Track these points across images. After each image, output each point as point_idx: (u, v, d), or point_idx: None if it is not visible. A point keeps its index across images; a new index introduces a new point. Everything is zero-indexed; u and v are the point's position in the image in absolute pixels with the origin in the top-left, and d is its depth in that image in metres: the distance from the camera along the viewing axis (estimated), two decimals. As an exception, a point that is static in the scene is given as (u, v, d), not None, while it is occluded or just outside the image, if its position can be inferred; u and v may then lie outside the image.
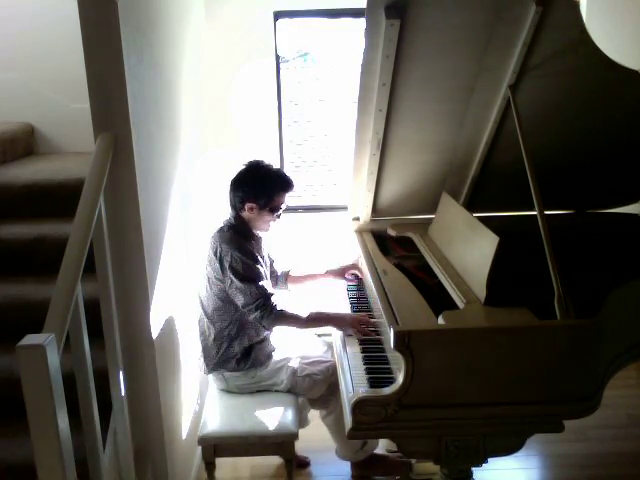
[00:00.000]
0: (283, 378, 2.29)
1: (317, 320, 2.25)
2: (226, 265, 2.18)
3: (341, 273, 2.59)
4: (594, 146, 2.49)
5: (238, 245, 2.21)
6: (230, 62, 3.25)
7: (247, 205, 2.26)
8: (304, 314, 2.24)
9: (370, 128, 2.26)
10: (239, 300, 2.19)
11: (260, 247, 2.42)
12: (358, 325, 2.13)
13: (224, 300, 2.25)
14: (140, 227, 1.82)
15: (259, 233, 2.40)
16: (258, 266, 2.23)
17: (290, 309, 2.23)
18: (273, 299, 2.20)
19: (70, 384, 1.43)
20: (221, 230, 2.29)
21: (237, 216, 2.32)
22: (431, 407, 1.64)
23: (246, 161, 2.34)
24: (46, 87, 3.22)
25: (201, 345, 2.35)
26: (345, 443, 2.37)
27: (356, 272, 2.59)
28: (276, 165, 2.42)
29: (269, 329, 2.27)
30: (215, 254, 2.22)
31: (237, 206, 2.30)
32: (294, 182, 2.32)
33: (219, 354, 2.28)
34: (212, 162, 3.21)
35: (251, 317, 2.20)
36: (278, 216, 2.33)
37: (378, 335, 2.08)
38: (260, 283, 2.19)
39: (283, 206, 2.33)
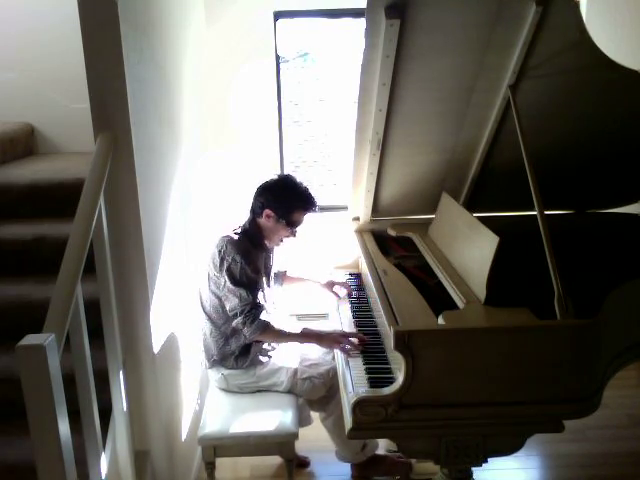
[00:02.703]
0: (283, 379, 2.29)
1: (301, 337, 2.24)
2: (225, 265, 2.18)
3: (329, 286, 2.58)
4: (594, 146, 2.49)
5: (243, 251, 2.20)
6: (230, 62, 3.25)
7: (265, 212, 2.26)
8: (289, 330, 2.23)
9: (370, 128, 2.26)
10: (228, 303, 2.19)
11: (269, 258, 2.41)
12: (343, 339, 2.06)
13: (220, 298, 2.25)
14: (140, 227, 1.82)
15: (269, 245, 2.39)
16: (256, 277, 2.22)
17: (275, 324, 2.21)
18: (260, 310, 2.19)
19: (70, 384, 1.43)
20: (233, 231, 2.29)
21: (253, 221, 2.32)
22: (431, 407, 1.64)
23: (279, 172, 2.35)
24: (46, 87, 3.22)
25: (201, 341, 2.36)
26: (345, 445, 2.37)
27: (342, 290, 2.57)
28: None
29: (249, 339, 2.22)
30: (219, 252, 2.21)
31: (256, 211, 2.29)
32: (317, 204, 2.31)
33: (217, 351, 2.29)
34: (212, 162, 3.21)
35: (234, 322, 2.19)
36: (294, 233, 2.32)
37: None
38: (252, 292, 2.18)
39: (300, 225, 2.31)
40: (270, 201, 2.25)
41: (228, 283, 2.17)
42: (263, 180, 2.32)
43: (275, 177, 2.32)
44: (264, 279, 2.34)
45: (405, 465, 2.45)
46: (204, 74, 3.09)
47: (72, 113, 3.17)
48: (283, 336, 2.24)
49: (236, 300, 2.17)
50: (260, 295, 2.23)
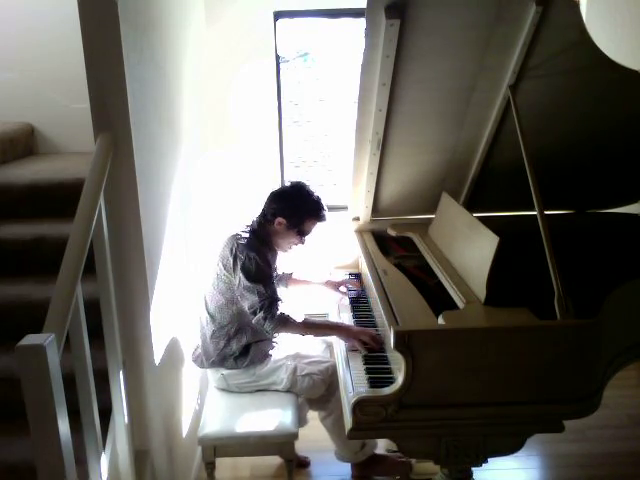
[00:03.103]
0: (283, 377, 2.29)
1: (322, 328, 2.24)
2: (239, 263, 2.17)
3: (335, 287, 2.58)
4: (594, 146, 2.49)
5: (256, 248, 2.21)
6: (230, 62, 3.26)
7: (277, 220, 2.27)
8: (310, 321, 2.23)
9: (370, 128, 2.26)
10: (246, 301, 2.18)
11: (275, 260, 2.42)
12: (365, 337, 2.05)
13: (228, 299, 2.25)
14: (140, 227, 1.82)
15: (277, 249, 2.40)
16: (271, 271, 2.23)
17: (295, 316, 2.21)
18: (279, 304, 2.19)
19: (70, 384, 1.43)
20: (242, 232, 2.29)
21: (263, 225, 2.32)
22: (431, 407, 1.64)
23: (293, 179, 2.37)
24: (46, 87, 3.22)
25: (200, 340, 2.36)
26: (344, 445, 2.37)
27: (349, 285, 2.58)
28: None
29: (271, 334, 2.22)
30: (231, 251, 2.21)
31: (268, 217, 2.30)
32: (327, 215, 2.32)
33: (217, 352, 2.28)
34: (212, 162, 3.21)
35: (254, 319, 2.17)
36: (303, 242, 2.34)
37: (382, 351, 2.00)
38: (269, 286, 2.19)
39: (311, 234, 2.33)
40: (283, 209, 2.27)
41: (244, 281, 2.16)
42: (277, 187, 2.35)
43: (289, 185, 2.34)
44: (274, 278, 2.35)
45: (405, 465, 2.44)
46: (204, 74, 3.09)
47: (72, 113, 3.17)
48: (303, 328, 2.21)
49: (254, 297, 2.15)
50: (276, 289, 2.23)
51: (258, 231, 2.30)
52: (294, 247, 2.37)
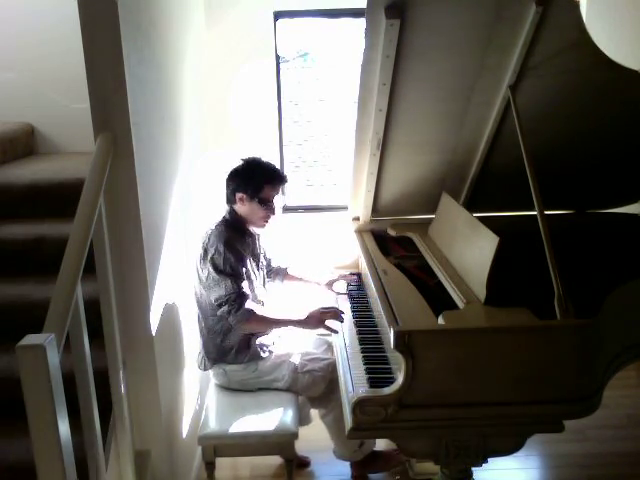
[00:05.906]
0: (284, 373, 2.30)
1: (286, 323, 2.27)
2: (208, 256, 2.19)
3: (329, 286, 2.59)
4: (594, 146, 2.49)
5: (226, 240, 2.22)
6: (230, 62, 3.26)
7: (238, 196, 2.29)
8: (273, 316, 2.26)
9: (370, 128, 2.26)
10: (213, 293, 2.20)
11: (255, 246, 2.42)
12: (328, 316, 2.16)
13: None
14: (140, 227, 1.83)
15: (255, 231, 2.40)
16: (240, 266, 2.23)
17: (260, 311, 2.23)
18: (245, 299, 2.19)
19: (70, 384, 1.43)
20: (214, 224, 2.31)
21: (232, 211, 2.34)
22: (431, 407, 1.64)
23: (243, 157, 2.38)
24: (46, 87, 3.22)
25: (201, 340, 2.37)
26: (343, 443, 2.37)
27: (342, 284, 2.59)
28: (274, 163, 2.42)
29: (235, 327, 2.23)
30: (202, 244, 2.24)
31: (230, 198, 2.33)
32: (285, 177, 2.35)
33: (216, 348, 2.29)
34: (212, 162, 3.21)
35: (219, 312, 2.19)
36: (271, 211, 2.33)
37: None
38: (237, 281, 2.19)
39: (274, 200, 2.34)
40: (239, 184, 2.29)
41: (213, 273, 2.18)
42: (231, 168, 2.35)
43: (240, 162, 2.35)
44: (253, 264, 2.35)
45: (399, 455, 2.45)
46: (204, 74, 3.09)
47: (72, 113, 3.18)
48: (268, 323, 2.26)
49: (221, 290, 2.17)
50: (245, 284, 2.23)
51: (230, 220, 2.32)
52: (268, 220, 2.35)
